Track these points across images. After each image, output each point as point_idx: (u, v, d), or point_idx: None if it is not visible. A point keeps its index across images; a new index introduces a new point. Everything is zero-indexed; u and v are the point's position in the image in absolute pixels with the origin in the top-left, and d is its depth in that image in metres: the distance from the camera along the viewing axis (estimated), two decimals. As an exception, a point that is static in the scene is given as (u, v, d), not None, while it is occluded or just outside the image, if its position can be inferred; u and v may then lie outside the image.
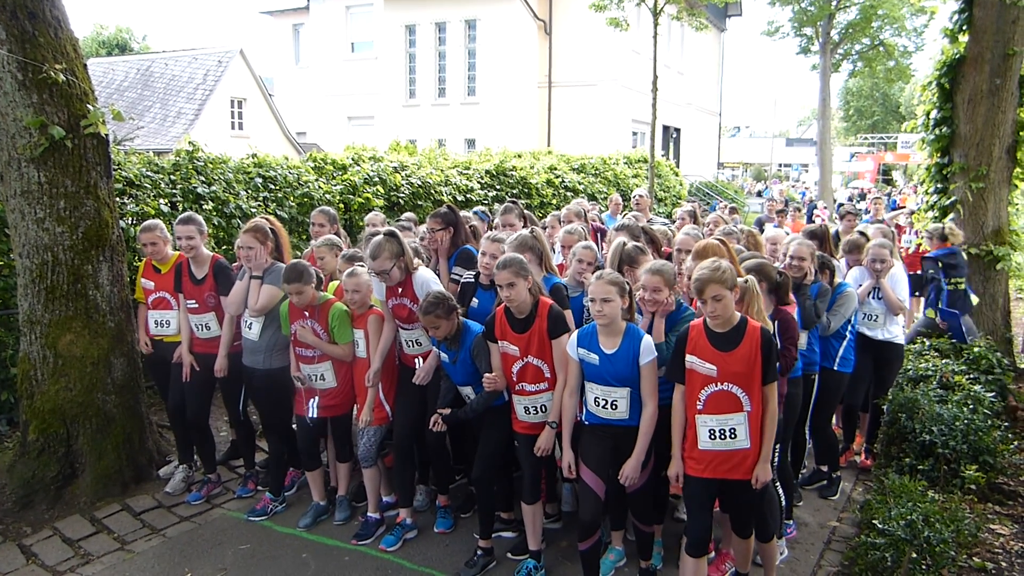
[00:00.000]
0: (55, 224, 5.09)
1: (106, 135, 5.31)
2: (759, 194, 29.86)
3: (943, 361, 6.45)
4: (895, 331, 5.95)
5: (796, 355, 4.57)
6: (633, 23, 19.81)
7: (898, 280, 5.96)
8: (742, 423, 3.62)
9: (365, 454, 4.94)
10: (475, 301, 5.05)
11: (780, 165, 55.95)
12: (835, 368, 5.45)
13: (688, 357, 3.72)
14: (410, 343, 4.89)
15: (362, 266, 4.97)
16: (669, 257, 5.60)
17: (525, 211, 7.19)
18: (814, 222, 18.38)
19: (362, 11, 28.10)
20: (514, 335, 4.25)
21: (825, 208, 24.23)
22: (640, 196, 10.04)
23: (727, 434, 3.64)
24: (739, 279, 3.83)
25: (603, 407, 3.96)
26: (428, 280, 4.77)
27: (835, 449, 5.75)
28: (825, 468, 5.75)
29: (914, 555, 4.04)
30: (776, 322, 4.48)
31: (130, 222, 6.78)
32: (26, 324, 5.25)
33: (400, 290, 4.78)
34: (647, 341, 3.90)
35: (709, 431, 3.66)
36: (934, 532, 4.11)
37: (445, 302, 4.37)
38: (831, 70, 32.17)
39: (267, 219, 5.56)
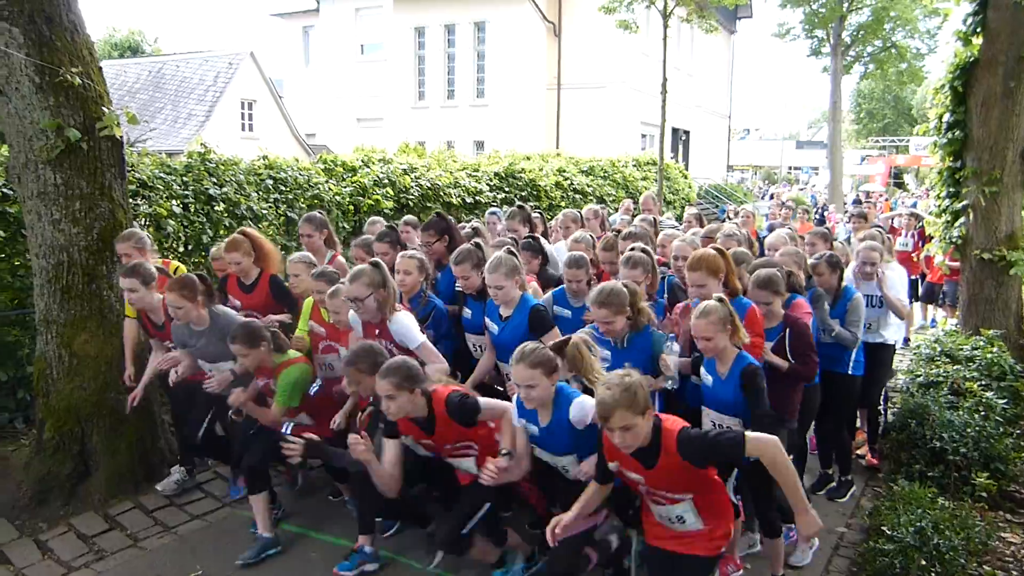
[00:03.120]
0: (70, 225, 5.13)
1: (120, 137, 5.36)
2: (771, 197, 29.78)
3: (954, 367, 6.43)
4: (887, 333, 5.91)
5: (816, 361, 4.48)
6: (643, 25, 19.82)
7: (893, 282, 5.89)
8: (688, 510, 3.27)
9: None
10: (467, 311, 4.99)
11: (790, 168, 55.75)
12: (848, 372, 5.39)
13: (611, 463, 3.32)
14: None
15: (344, 283, 4.73)
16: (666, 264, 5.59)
17: (532, 215, 7.19)
18: (824, 224, 18.37)
19: (371, 13, 28.19)
20: (420, 432, 3.92)
21: (835, 211, 24.18)
22: (648, 199, 10.09)
23: (675, 520, 3.33)
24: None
25: (554, 468, 3.91)
26: (407, 328, 4.42)
27: (848, 454, 5.72)
28: (831, 471, 5.74)
29: (923, 562, 4.05)
30: (788, 330, 4.44)
31: (143, 223, 6.84)
32: (42, 323, 5.29)
33: (377, 331, 4.51)
34: (577, 406, 3.59)
35: (657, 514, 3.40)
36: (944, 539, 4.11)
37: (373, 357, 3.93)
38: (842, 72, 32.06)
39: (244, 232, 5.52)
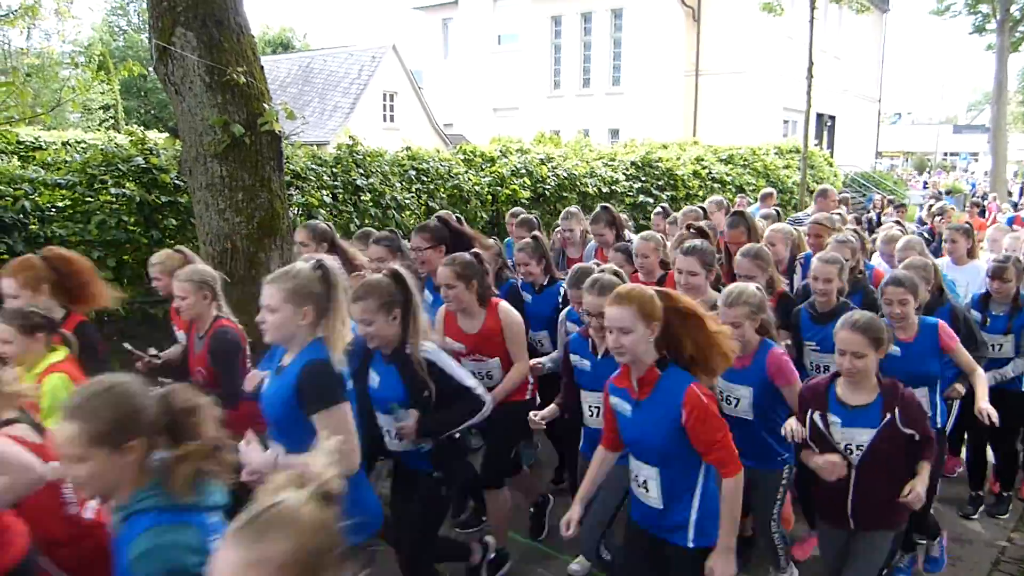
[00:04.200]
0: (234, 214, 5.52)
1: (279, 132, 5.71)
2: (924, 185, 27.81)
3: None
4: None
5: (931, 435, 3.22)
6: (787, 7, 18.99)
7: None
8: None
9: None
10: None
11: (946, 154, 51.98)
12: (1022, 389, 4.88)
13: None
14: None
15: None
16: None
17: (616, 216, 6.15)
18: (984, 215, 17.00)
19: (509, 3, 28.49)
20: None
21: (996, 199, 22.30)
22: (826, 190, 8.29)
23: None
24: None
25: None
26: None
27: (1014, 471, 5.24)
28: (982, 493, 5.27)
29: (1100, 586, 3.71)
30: (897, 411, 3.15)
31: (297, 212, 7.26)
32: (208, 305, 5.71)
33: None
34: None
35: None
36: (1125, 562, 3.76)
37: None
38: (1009, 50, 29.41)
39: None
